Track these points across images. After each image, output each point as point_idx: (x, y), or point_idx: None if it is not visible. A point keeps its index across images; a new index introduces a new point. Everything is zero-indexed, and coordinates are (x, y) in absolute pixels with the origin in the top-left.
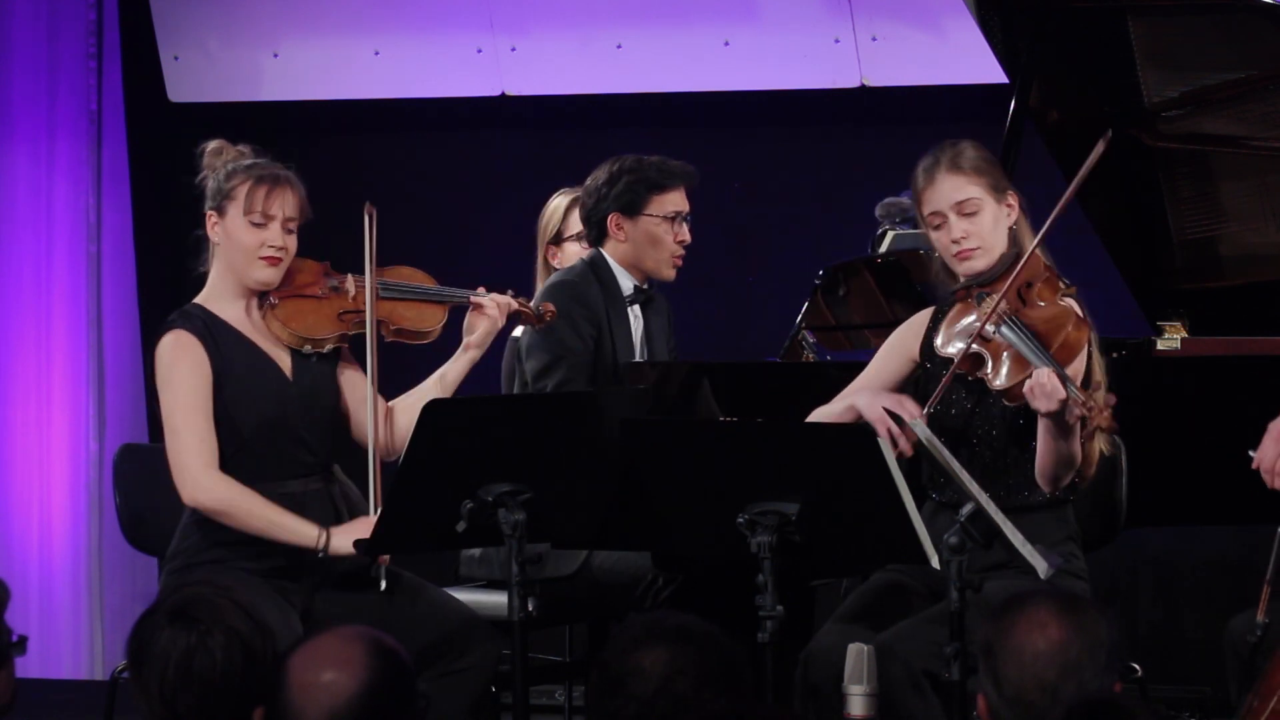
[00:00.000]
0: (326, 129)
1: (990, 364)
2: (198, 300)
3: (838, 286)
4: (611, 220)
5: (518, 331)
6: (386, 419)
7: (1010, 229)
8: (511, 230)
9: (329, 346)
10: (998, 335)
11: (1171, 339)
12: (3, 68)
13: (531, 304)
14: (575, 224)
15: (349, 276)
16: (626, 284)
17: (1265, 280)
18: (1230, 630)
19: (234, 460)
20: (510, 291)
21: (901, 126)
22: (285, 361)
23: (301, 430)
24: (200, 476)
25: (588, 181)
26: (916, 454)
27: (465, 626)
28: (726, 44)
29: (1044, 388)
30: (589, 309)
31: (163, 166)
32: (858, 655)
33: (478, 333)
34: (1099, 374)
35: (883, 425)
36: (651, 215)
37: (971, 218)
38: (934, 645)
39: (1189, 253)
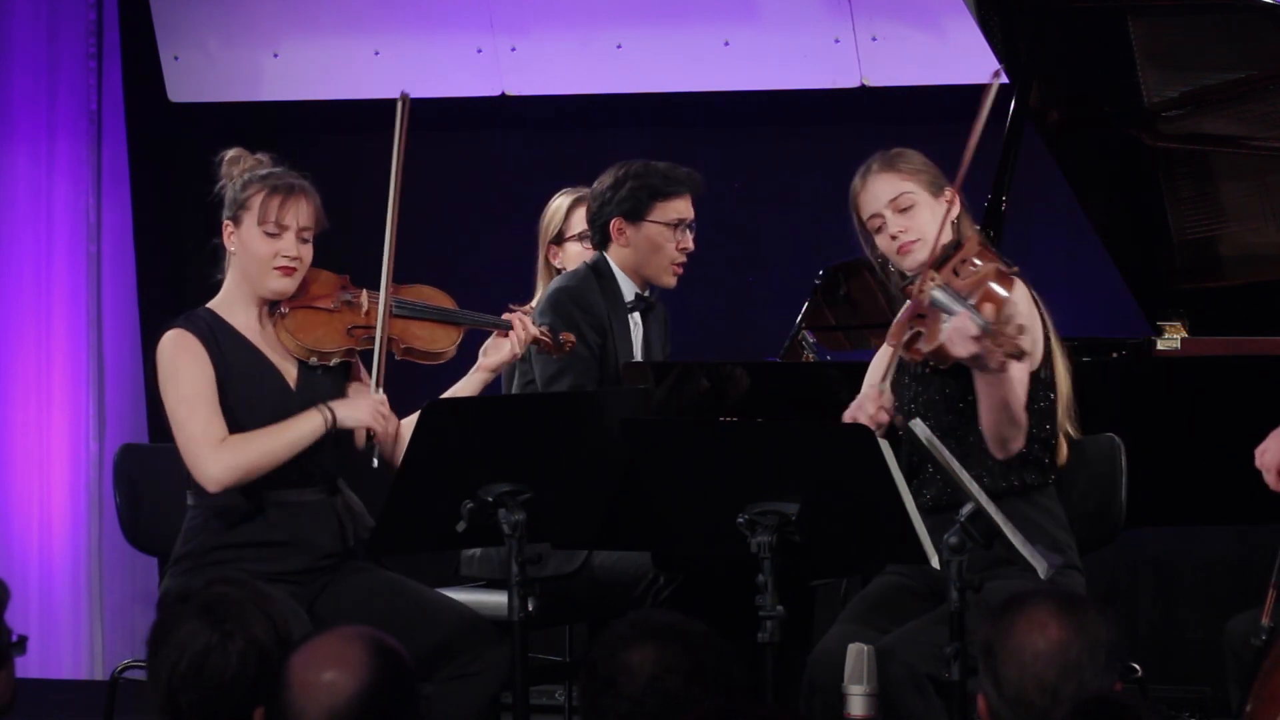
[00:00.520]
0: (326, 129)
1: (925, 336)
2: (209, 305)
3: (838, 286)
4: (614, 225)
5: None
6: (396, 439)
7: (952, 222)
8: (511, 230)
9: (335, 360)
10: (930, 307)
11: (1171, 339)
12: (3, 68)
13: (547, 327)
14: (577, 224)
15: (364, 292)
16: (628, 290)
17: (1265, 280)
18: (1230, 631)
19: None
20: (530, 313)
21: (901, 126)
22: (291, 373)
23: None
24: (212, 459)
25: (594, 184)
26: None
27: (473, 630)
28: (726, 44)
29: (959, 330)
30: (593, 314)
31: (163, 166)
32: (858, 655)
33: (493, 357)
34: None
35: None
36: (655, 222)
37: (907, 213)
38: (936, 648)
39: (1189, 253)
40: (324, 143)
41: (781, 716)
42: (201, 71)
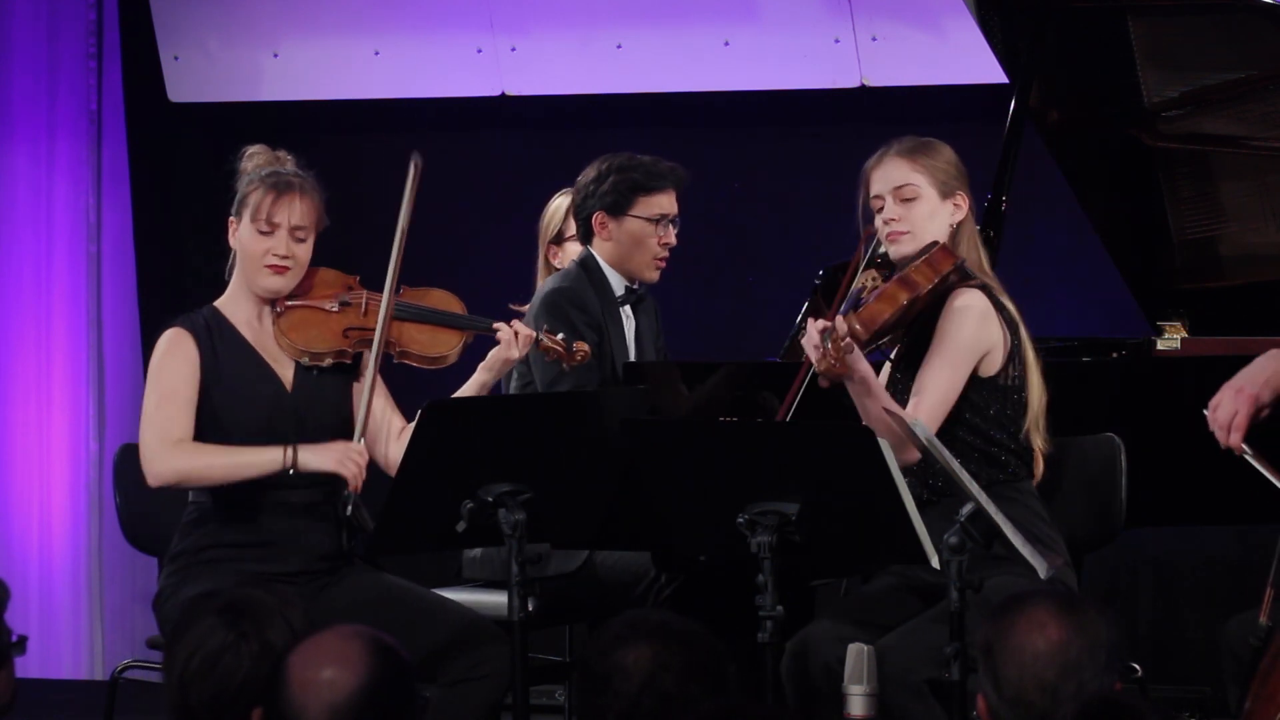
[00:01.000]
0: (326, 129)
1: None
2: (215, 303)
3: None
4: (596, 219)
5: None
6: (400, 440)
7: (951, 226)
8: (511, 230)
9: (328, 361)
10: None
11: (1171, 339)
12: (3, 68)
13: (561, 336)
14: None
15: (365, 293)
16: (617, 284)
17: (1265, 280)
18: (1229, 631)
19: None
20: (544, 328)
21: (901, 126)
22: (288, 373)
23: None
24: (155, 452)
25: (579, 178)
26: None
27: (476, 631)
28: (726, 44)
29: (807, 336)
30: (588, 313)
31: (163, 166)
32: (858, 655)
33: (492, 360)
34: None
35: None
36: (637, 217)
37: (907, 204)
38: (933, 650)
39: (1189, 253)
40: (324, 143)
41: (781, 716)
42: (201, 71)
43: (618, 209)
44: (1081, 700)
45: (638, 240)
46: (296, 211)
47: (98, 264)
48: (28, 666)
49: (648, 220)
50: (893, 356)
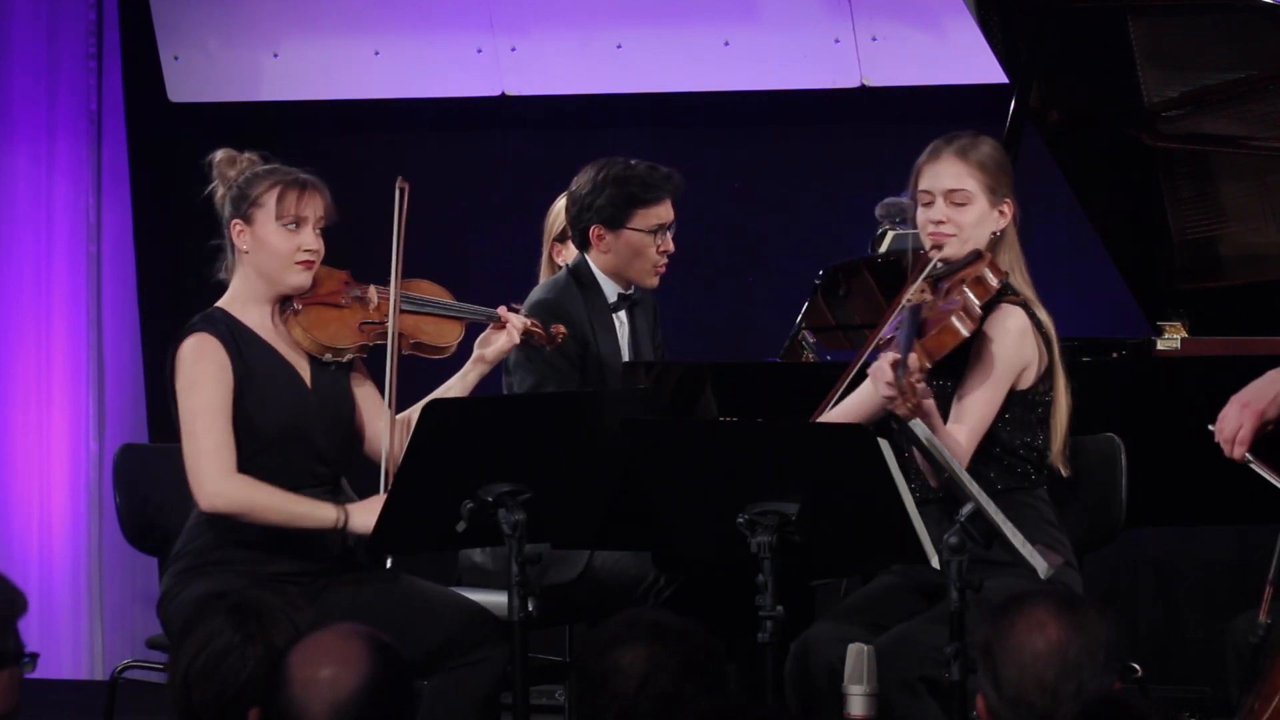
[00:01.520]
0: (326, 129)
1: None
2: (220, 305)
3: (838, 286)
4: (594, 232)
5: None
6: (405, 432)
7: (994, 233)
8: (511, 230)
9: (349, 356)
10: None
11: (1171, 339)
12: (3, 68)
13: (538, 320)
14: None
15: (371, 287)
16: (611, 291)
17: (1265, 280)
18: (1232, 631)
19: (249, 465)
20: (521, 311)
21: (901, 126)
22: (304, 369)
23: (317, 439)
24: (217, 482)
25: (573, 185)
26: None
27: (475, 622)
28: (726, 44)
29: (878, 370)
30: (570, 325)
31: (163, 166)
32: (858, 655)
33: (493, 348)
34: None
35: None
36: (635, 229)
37: (959, 208)
38: (932, 650)
39: (1189, 253)
40: (324, 143)
41: (781, 716)
42: (201, 71)
43: (615, 223)
44: (1081, 700)
45: (637, 251)
46: (319, 205)
47: (98, 264)
48: None
49: (645, 232)
50: None
